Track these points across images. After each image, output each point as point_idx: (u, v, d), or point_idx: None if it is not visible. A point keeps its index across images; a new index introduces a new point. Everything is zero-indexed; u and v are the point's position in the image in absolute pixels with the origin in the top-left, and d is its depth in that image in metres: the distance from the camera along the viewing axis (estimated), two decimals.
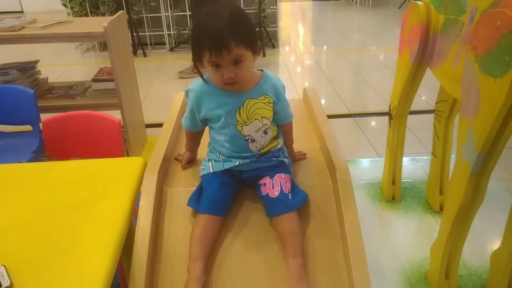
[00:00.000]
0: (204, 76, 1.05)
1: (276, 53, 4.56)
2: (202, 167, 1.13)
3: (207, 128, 1.16)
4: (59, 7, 4.62)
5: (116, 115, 1.53)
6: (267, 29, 4.56)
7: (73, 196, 1.05)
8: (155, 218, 1.05)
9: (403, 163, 1.90)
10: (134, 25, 4.39)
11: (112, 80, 2.12)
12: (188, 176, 1.19)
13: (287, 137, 1.19)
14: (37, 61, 2.29)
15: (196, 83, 1.08)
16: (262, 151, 1.08)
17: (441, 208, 1.79)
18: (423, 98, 2.94)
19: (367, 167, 2.23)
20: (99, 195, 1.04)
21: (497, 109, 0.98)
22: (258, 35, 4.23)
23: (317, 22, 6.55)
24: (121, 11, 2.23)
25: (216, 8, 0.94)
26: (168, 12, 4.50)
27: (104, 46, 4.59)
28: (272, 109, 1.07)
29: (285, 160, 1.13)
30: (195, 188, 1.09)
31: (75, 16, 4.34)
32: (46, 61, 2.42)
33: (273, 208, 1.02)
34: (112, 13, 4.21)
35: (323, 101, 3.24)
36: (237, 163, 1.06)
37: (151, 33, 4.64)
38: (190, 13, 3.72)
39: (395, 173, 1.87)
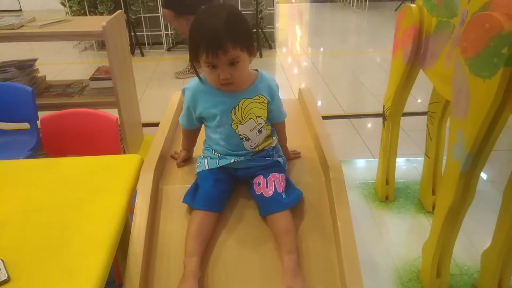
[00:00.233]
0: (201, 75, 1.07)
1: (273, 54, 4.59)
2: (198, 164, 1.14)
3: (203, 127, 1.18)
4: (57, 6, 4.63)
5: (113, 113, 1.55)
6: (264, 30, 4.58)
7: (70, 192, 1.07)
8: (151, 215, 1.06)
9: (397, 164, 1.93)
10: (132, 24, 4.40)
11: (109, 79, 2.13)
12: (184, 173, 1.21)
13: (281, 136, 1.21)
14: (35, 59, 2.31)
15: (193, 81, 1.10)
16: (257, 149, 1.11)
17: (434, 208, 1.82)
18: (419, 101, 2.98)
19: (361, 168, 2.25)
20: (95, 191, 1.06)
21: (486, 109, 1.00)
22: (255, 36, 4.25)
23: (314, 23, 6.59)
24: (119, 11, 2.25)
25: (214, 10, 0.96)
26: None
27: (102, 46, 4.61)
28: (266, 108, 1.09)
29: (280, 159, 1.15)
30: (191, 186, 1.11)
31: (73, 15, 4.35)
32: (44, 60, 2.43)
33: (267, 207, 1.04)
34: (110, 13, 4.23)
35: (319, 102, 3.27)
36: (232, 161, 1.08)
37: (149, 33, 4.66)
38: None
39: (388, 173, 1.90)
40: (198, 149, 1.24)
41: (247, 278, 0.97)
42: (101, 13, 4.34)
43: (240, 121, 1.06)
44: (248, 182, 1.12)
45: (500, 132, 1.06)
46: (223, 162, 1.09)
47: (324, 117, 1.35)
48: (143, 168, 1.15)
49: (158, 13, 4.47)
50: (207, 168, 1.10)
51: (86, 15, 4.34)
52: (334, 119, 2.92)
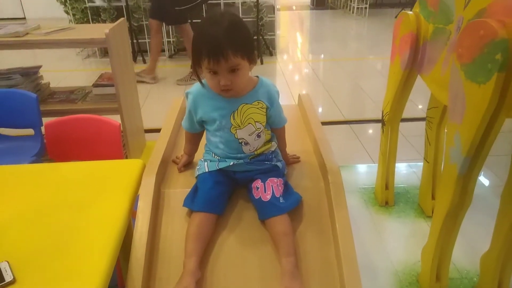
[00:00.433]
0: (203, 81, 1.09)
1: (274, 60, 4.62)
2: (198, 167, 1.17)
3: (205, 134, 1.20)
4: (61, 15, 4.68)
5: (116, 119, 1.57)
6: (265, 37, 4.62)
7: (73, 196, 1.09)
8: (153, 219, 1.08)
9: (397, 169, 1.95)
10: (134, 32, 4.45)
11: (112, 85, 2.16)
12: (185, 177, 1.23)
13: (281, 141, 1.23)
14: (39, 67, 2.34)
15: (195, 86, 1.13)
16: (256, 153, 1.13)
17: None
18: (420, 107, 3.00)
19: (361, 173, 2.27)
20: (98, 195, 1.08)
21: (482, 113, 1.02)
22: (256, 43, 4.29)
23: (314, 30, 6.63)
24: (122, 18, 2.28)
25: (216, 17, 0.99)
26: None
27: (104, 53, 4.65)
28: (265, 114, 1.11)
29: (279, 164, 1.17)
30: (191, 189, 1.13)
31: (76, 23, 4.40)
32: (48, 67, 2.46)
33: (265, 211, 1.06)
34: (113, 20, 4.28)
35: (319, 108, 3.29)
36: (231, 163, 1.11)
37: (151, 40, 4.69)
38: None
39: (388, 178, 1.91)
40: (199, 154, 1.26)
41: (246, 279, 0.99)
42: (104, 21, 4.39)
43: (239, 126, 1.08)
44: (247, 185, 1.14)
45: (496, 136, 1.08)
46: (223, 165, 1.11)
47: (325, 123, 1.37)
48: (145, 172, 1.17)
49: None
50: (207, 170, 1.12)
51: (89, 23, 4.40)
52: (335, 124, 2.94)
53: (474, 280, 1.51)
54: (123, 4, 4.27)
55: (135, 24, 4.47)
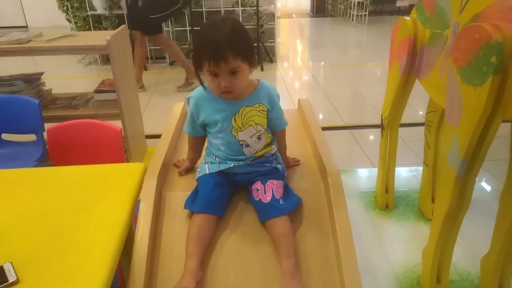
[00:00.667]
0: (205, 84, 1.11)
1: (274, 67, 4.66)
2: (199, 169, 1.18)
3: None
4: (63, 23, 4.73)
5: (117, 125, 1.59)
6: (265, 44, 4.66)
7: (75, 198, 1.10)
8: (154, 220, 1.09)
9: (397, 173, 1.96)
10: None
11: (114, 91, 2.18)
12: (186, 180, 1.25)
13: (281, 144, 1.25)
14: (41, 73, 2.36)
15: (196, 90, 1.15)
16: (256, 155, 1.14)
17: None
18: (420, 113, 3.02)
19: (361, 177, 2.28)
20: (100, 198, 1.10)
21: (478, 116, 1.04)
22: (256, 50, 4.33)
23: (314, 38, 6.68)
24: (123, 26, 2.31)
25: (217, 22, 1.01)
26: (169, 27, 4.61)
27: (105, 60, 4.69)
28: (266, 116, 1.13)
29: (279, 166, 1.19)
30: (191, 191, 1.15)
31: (78, 31, 4.44)
32: (49, 74, 2.49)
33: (265, 213, 1.07)
34: (114, 28, 4.30)
35: (320, 114, 3.31)
36: (232, 165, 1.12)
37: (152, 48, 4.74)
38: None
39: (388, 182, 1.92)
40: (200, 158, 1.27)
41: (247, 280, 1.00)
42: (106, 29, 4.43)
43: (240, 128, 1.10)
44: (247, 187, 1.15)
45: (492, 137, 1.09)
46: (223, 167, 1.13)
47: (325, 128, 1.38)
48: (146, 175, 1.18)
49: None
50: (207, 172, 1.14)
51: (91, 31, 4.44)
52: (335, 130, 2.95)
53: (475, 282, 1.51)
54: (124, 12, 4.31)
55: None
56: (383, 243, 1.74)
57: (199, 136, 1.22)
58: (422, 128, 1.88)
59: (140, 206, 1.11)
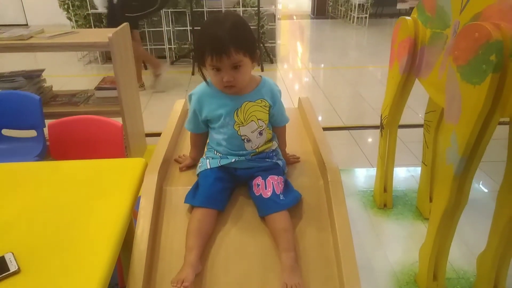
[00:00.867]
0: (208, 80, 1.12)
1: (274, 68, 4.67)
2: (200, 164, 1.19)
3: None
4: (63, 21, 4.74)
5: None
6: (265, 45, 4.67)
7: (76, 193, 1.11)
8: (154, 215, 1.10)
9: (395, 173, 1.97)
10: None
11: (114, 89, 2.19)
12: (187, 175, 1.25)
13: (281, 140, 1.25)
14: (42, 70, 2.37)
15: (198, 87, 1.16)
16: (257, 150, 1.15)
17: None
18: (420, 115, 3.03)
19: (360, 176, 2.29)
20: (101, 192, 1.10)
21: (477, 113, 1.05)
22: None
23: (315, 39, 6.70)
24: (125, 23, 2.32)
25: (220, 17, 1.03)
26: (170, 27, 4.63)
27: (106, 59, 4.70)
28: (268, 112, 1.14)
29: (279, 162, 1.19)
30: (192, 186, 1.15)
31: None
32: (50, 72, 2.50)
33: (265, 207, 1.08)
34: None
35: (319, 114, 3.32)
36: (233, 160, 1.13)
37: (153, 47, 4.75)
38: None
39: (386, 181, 1.93)
40: None
41: (246, 274, 1.00)
42: (106, 27, 4.44)
43: (242, 123, 1.11)
44: (248, 183, 1.16)
45: (491, 135, 1.10)
46: (224, 161, 1.13)
47: (324, 129, 1.39)
48: (147, 170, 1.19)
49: (162, 27, 4.57)
50: (208, 167, 1.14)
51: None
52: (334, 130, 2.97)
53: (471, 280, 1.52)
54: None
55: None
56: (381, 241, 1.74)
57: (201, 132, 1.22)
58: (421, 130, 1.90)
59: (140, 201, 1.12)
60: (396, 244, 1.73)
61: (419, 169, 1.97)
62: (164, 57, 4.80)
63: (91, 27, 4.48)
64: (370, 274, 1.56)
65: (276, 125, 1.21)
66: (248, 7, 4.52)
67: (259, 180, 1.12)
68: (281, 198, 1.08)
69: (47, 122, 1.65)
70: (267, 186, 1.10)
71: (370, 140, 2.86)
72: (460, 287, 1.50)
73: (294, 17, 8.38)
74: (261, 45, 4.54)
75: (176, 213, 1.14)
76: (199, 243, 1.00)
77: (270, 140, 1.20)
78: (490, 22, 1.02)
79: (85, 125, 1.61)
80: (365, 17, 6.99)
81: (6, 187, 1.14)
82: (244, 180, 1.16)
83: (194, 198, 1.09)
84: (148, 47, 4.71)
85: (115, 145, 1.59)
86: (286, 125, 1.25)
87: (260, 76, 1.17)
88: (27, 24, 7.03)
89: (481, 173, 2.21)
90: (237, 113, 1.10)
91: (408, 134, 2.67)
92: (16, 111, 1.87)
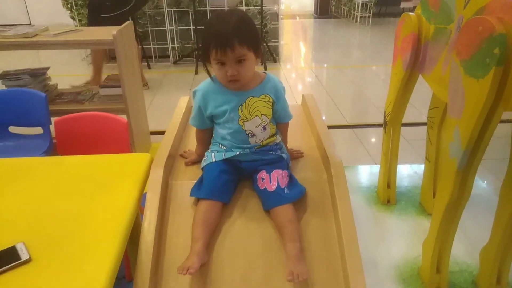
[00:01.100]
0: (212, 76, 1.14)
1: (277, 67, 4.68)
2: (205, 158, 1.20)
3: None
4: (66, 21, 4.76)
5: None
6: (268, 44, 4.68)
7: (83, 187, 1.12)
8: (161, 208, 1.11)
9: (399, 170, 1.98)
10: (140, 38, 4.51)
11: (119, 86, 2.20)
12: (192, 170, 1.26)
13: (283, 137, 1.27)
14: (47, 68, 2.39)
15: (203, 83, 1.17)
16: (261, 143, 1.16)
17: None
18: (423, 113, 3.03)
19: (363, 173, 2.30)
20: (108, 186, 1.12)
21: (480, 107, 1.05)
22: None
23: (318, 39, 6.71)
24: (129, 21, 2.34)
25: (224, 13, 1.04)
26: (173, 26, 4.64)
27: (110, 58, 4.71)
28: (271, 107, 1.15)
29: (283, 155, 1.21)
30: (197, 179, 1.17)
31: None
32: (53, 72, 2.52)
33: (270, 201, 1.09)
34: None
35: (323, 113, 3.33)
36: (237, 153, 1.14)
37: (156, 46, 4.77)
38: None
39: (390, 177, 1.94)
40: None
41: (251, 264, 1.01)
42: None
43: (247, 118, 1.12)
44: (252, 176, 1.17)
45: (494, 129, 1.11)
46: (229, 154, 1.15)
47: (328, 127, 1.40)
48: (153, 165, 1.20)
49: (165, 27, 4.59)
50: (213, 160, 1.16)
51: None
52: (338, 128, 2.97)
53: (474, 273, 1.53)
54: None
55: (140, 30, 4.54)
56: (385, 236, 1.75)
57: (206, 128, 1.23)
58: (425, 128, 1.90)
59: (147, 194, 1.13)
60: (400, 239, 1.74)
61: (422, 167, 1.97)
62: (167, 57, 4.81)
63: None
64: (373, 267, 1.57)
65: (279, 121, 1.22)
66: (251, 6, 4.53)
67: (263, 174, 1.13)
68: (285, 192, 1.09)
69: (53, 119, 1.67)
70: (272, 180, 1.11)
71: (373, 138, 2.86)
72: (463, 280, 1.51)
73: (297, 17, 8.38)
74: (264, 44, 4.55)
75: (182, 206, 1.15)
76: (205, 233, 1.02)
77: (274, 135, 1.21)
78: (493, 16, 1.03)
79: (91, 121, 1.63)
80: (369, 17, 6.99)
81: (16, 180, 1.16)
82: (249, 173, 1.17)
83: (200, 191, 1.11)
84: (151, 46, 4.73)
85: (121, 141, 1.60)
86: (290, 121, 1.26)
87: (265, 72, 1.18)
88: (30, 24, 7.05)
89: (484, 170, 2.21)
90: (241, 109, 1.12)
91: (412, 132, 2.67)
92: (22, 109, 1.89)
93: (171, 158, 1.29)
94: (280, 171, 1.14)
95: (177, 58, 4.80)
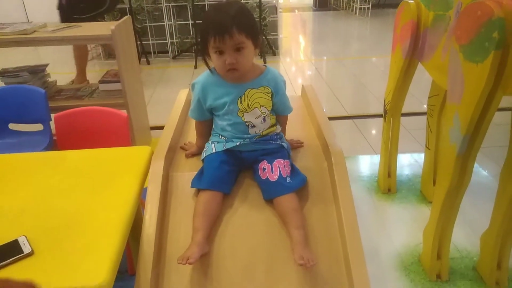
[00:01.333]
0: (211, 68, 1.14)
1: (277, 60, 4.67)
2: (205, 149, 1.20)
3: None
4: None
5: None
6: (267, 37, 4.67)
7: (85, 181, 1.13)
8: (162, 199, 1.12)
9: (399, 159, 1.98)
10: (138, 33, 4.50)
11: (118, 82, 2.20)
12: (193, 162, 1.27)
13: (282, 128, 1.27)
14: (46, 65, 2.39)
15: (202, 76, 1.17)
16: (261, 133, 1.16)
17: None
18: (423, 103, 3.02)
19: (364, 163, 2.30)
20: (109, 179, 1.12)
21: (479, 91, 1.05)
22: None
23: (317, 31, 6.68)
24: (127, 16, 2.33)
25: (222, 3, 1.04)
26: (171, 21, 4.63)
27: (108, 55, 4.71)
28: (270, 99, 1.15)
29: (284, 144, 1.21)
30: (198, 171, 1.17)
31: None
32: (52, 69, 2.52)
33: (273, 190, 1.09)
34: None
35: (323, 105, 3.32)
36: (238, 143, 1.14)
37: (155, 42, 4.76)
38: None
39: (390, 166, 1.94)
40: None
41: (253, 254, 1.02)
42: None
43: (246, 109, 1.12)
44: (253, 166, 1.17)
45: (493, 114, 1.11)
46: (230, 145, 1.15)
47: (328, 118, 1.40)
48: (153, 157, 1.20)
49: (163, 22, 4.58)
50: (214, 151, 1.16)
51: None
52: (338, 119, 2.97)
53: (475, 259, 1.54)
54: (127, 6, 4.33)
55: (139, 26, 4.53)
56: (386, 224, 1.76)
57: (206, 120, 1.23)
58: (424, 118, 1.90)
59: (148, 186, 1.13)
60: (401, 227, 1.74)
61: (423, 155, 1.97)
62: (166, 52, 4.81)
63: None
64: (375, 255, 1.58)
65: (279, 113, 1.22)
66: None
67: (265, 164, 1.13)
68: (288, 181, 1.10)
69: (53, 116, 1.67)
70: (274, 170, 1.11)
71: (373, 128, 2.86)
72: (463, 266, 1.52)
73: (296, 10, 8.35)
74: (263, 37, 4.54)
75: (183, 197, 1.16)
76: (206, 224, 1.02)
77: (274, 125, 1.21)
78: (492, 0, 1.02)
79: (91, 116, 1.63)
80: (368, 8, 6.96)
81: (17, 175, 1.16)
82: (249, 163, 1.18)
83: (200, 181, 1.11)
84: (150, 42, 4.72)
85: (121, 135, 1.60)
86: (290, 112, 1.26)
87: (265, 65, 1.18)
88: (28, 22, 7.04)
89: (483, 157, 2.21)
90: (240, 100, 1.12)
91: (412, 121, 2.67)
92: (22, 105, 1.89)
93: (172, 151, 1.29)
94: (281, 160, 1.14)
95: (176, 53, 4.79)
